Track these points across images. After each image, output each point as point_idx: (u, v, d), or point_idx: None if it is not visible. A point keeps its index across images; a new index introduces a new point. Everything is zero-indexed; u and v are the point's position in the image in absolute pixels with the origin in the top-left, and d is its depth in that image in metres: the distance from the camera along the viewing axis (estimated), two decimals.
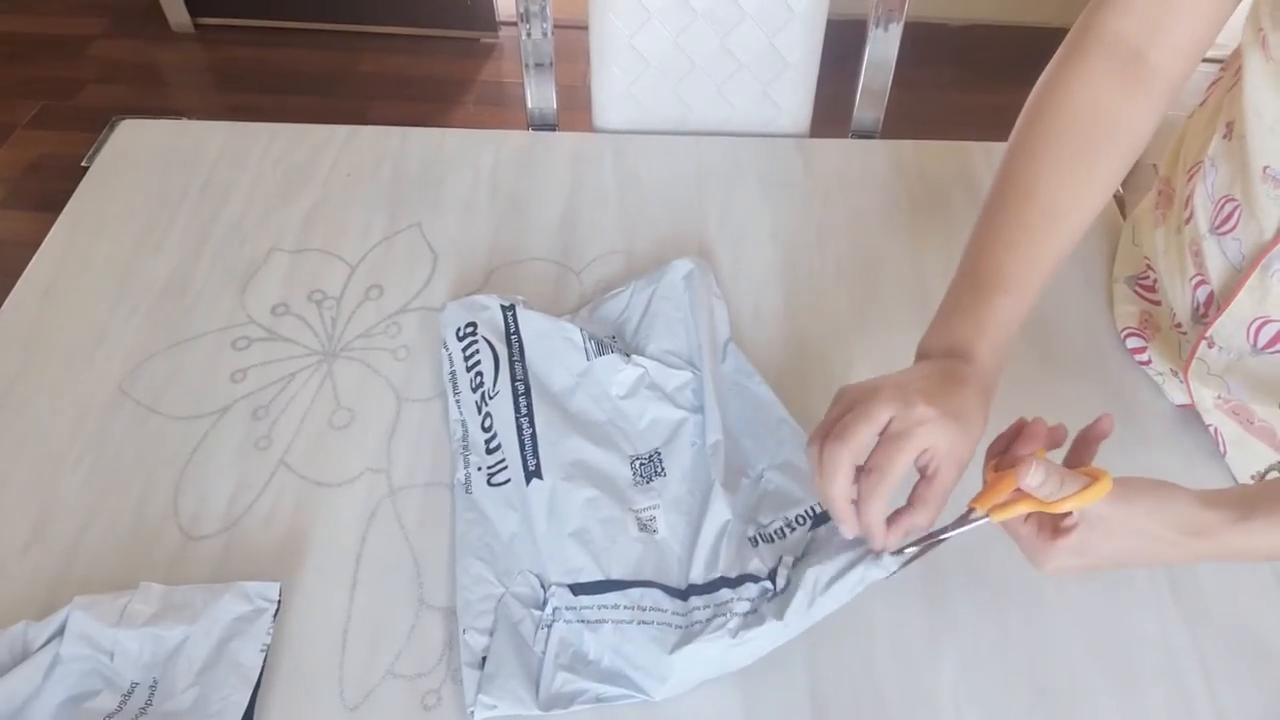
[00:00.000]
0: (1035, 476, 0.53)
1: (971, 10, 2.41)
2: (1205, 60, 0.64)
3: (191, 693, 0.59)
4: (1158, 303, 0.78)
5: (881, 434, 0.55)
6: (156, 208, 0.91)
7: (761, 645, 0.60)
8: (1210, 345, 0.68)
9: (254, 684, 0.59)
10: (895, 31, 1.04)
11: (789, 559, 0.64)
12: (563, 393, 0.74)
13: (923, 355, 0.62)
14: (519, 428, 0.71)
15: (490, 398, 0.72)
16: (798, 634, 0.61)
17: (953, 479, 0.57)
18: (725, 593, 0.63)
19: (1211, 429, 0.73)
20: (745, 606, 0.61)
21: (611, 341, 0.77)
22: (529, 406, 0.72)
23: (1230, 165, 0.66)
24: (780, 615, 0.60)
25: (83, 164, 0.96)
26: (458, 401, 0.74)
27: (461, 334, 0.76)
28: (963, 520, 0.58)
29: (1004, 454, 0.58)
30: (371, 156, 0.97)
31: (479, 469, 0.70)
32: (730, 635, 0.60)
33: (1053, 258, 0.62)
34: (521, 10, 1.03)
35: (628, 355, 0.75)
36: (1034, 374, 0.79)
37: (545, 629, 0.63)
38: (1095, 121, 0.63)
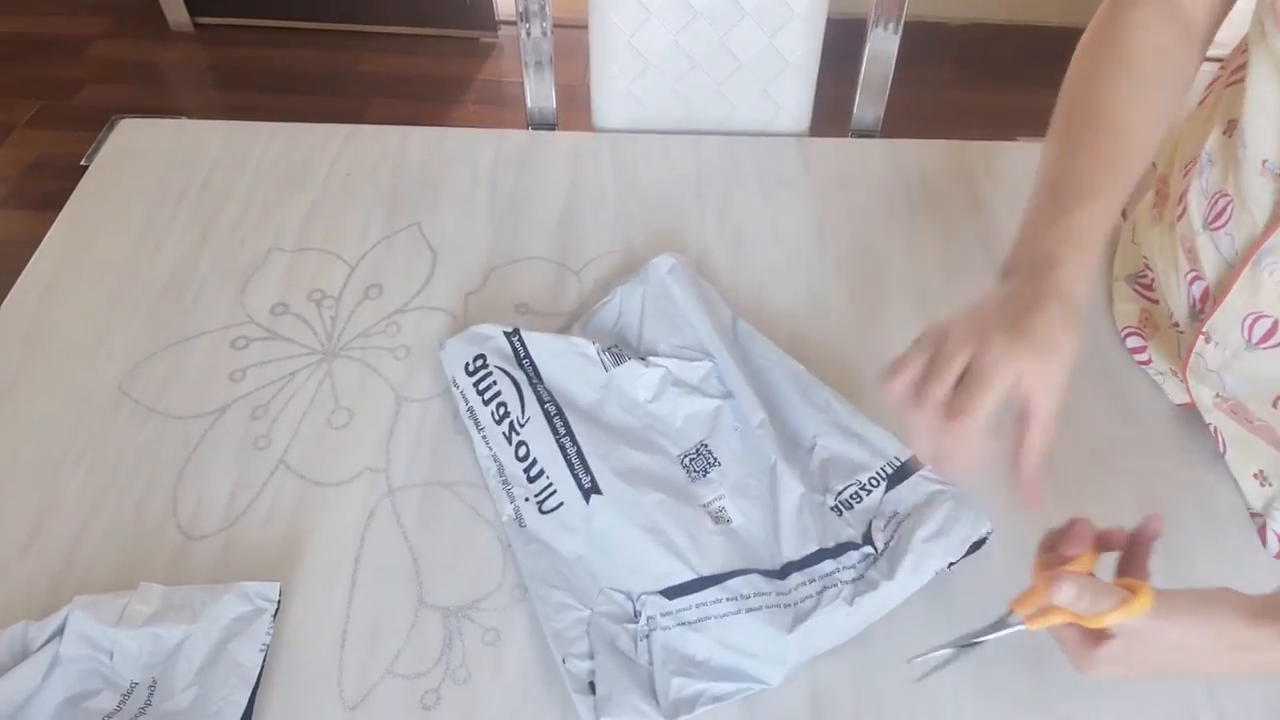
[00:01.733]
0: (1066, 594, 0.52)
1: (971, 9, 2.41)
2: (1206, 59, 0.65)
3: (191, 692, 0.59)
4: (1156, 301, 0.78)
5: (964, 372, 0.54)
6: (156, 207, 0.91)
7: (876, 609, 0.62)
8: (1207, 340, 0.68)
9: (253, 684, 0.59)
10: (895, 31, 1.04)
11: (879, 522, 0.65)
12: (591, 407, 0.73)
13: (1008, 272, 0.60)
14: (562, 449, 0.69)
15: (520, 425, 0.71)
16: (910, 595, 0.62)
17: (1049, 407, 0.54)
18: (828, 564, 0.64)
19: (1211, 428, 0.73)
20: (852, 574, 0.63)
21: (622, 349, 0.76)
22: (566, 425, 0.70)
23: (1225, 161, 0.67)
24: (891, 575, 0.61)
25: (82, 163, 0.96)
26: (484, 438, 0.72)
27: (472, 368, 0.74)
28: (1000, 624, 0.57)
29: (1053, 549, 0.57)
30: (371, 156, 0.97)
31: (526, 500, 0.69)
32: (846, 603, 0.61)
33: (1130, 170, 0.62)
34: (521, 10, 1.03)
35: (644, 358, 0.74)
36: None
37: (644, 640, 0.62)
38: (1151, 55, 0.65)
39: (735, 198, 0.94)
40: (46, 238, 0.88)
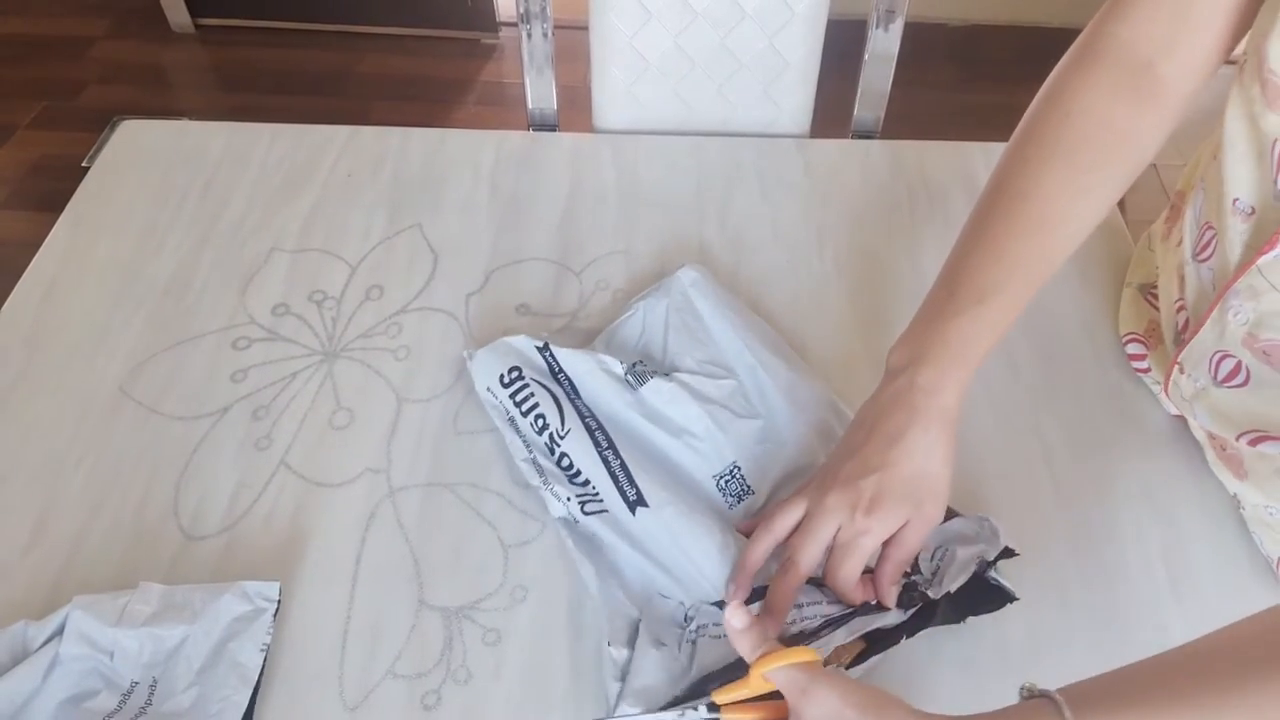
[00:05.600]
0: (738, 621, 0.53)
1: (971, 10, 2.41)
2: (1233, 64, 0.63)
3: (191, 692, 0.59)
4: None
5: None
6: (157, 208, 0.91)
7: (925, 620, 0.61)
8: (1181, 371, 0.68)
9: (254, 684, 0.59)
10: (895, 31, 1.04)
11: (924, 553, 0.64)
12: (627, 423, 0.72)
13: (889, 368, 0.62)
14: (605, 461, 0.68)
15: (561, 437, 0.70)
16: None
17: (913, 545, 0.59)
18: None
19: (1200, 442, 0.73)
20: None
21: (645, 368, 0.74)
22: (608, 439, 0.70)
23: (1212, 192, 0.66)
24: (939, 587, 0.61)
25: (84, 164, 0.96)
26: (525, 443, 0.71)
27: (507, 380, 0.73)
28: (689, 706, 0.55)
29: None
30: (372, 157, 0.97)
31: (570, 499, 0.68)
32: (901, 610, 0.61)
33: (1040, 270, 0.61)
34: (522, 10, 1.03)
35: (667, 375, 0.73)
36: (1032, 379, 0.79)
37: (690, 643, 0.61)
38: (1099, 132, 0.61)
39: (736, 198, 0.94)
40: (48, 238, 0.88)
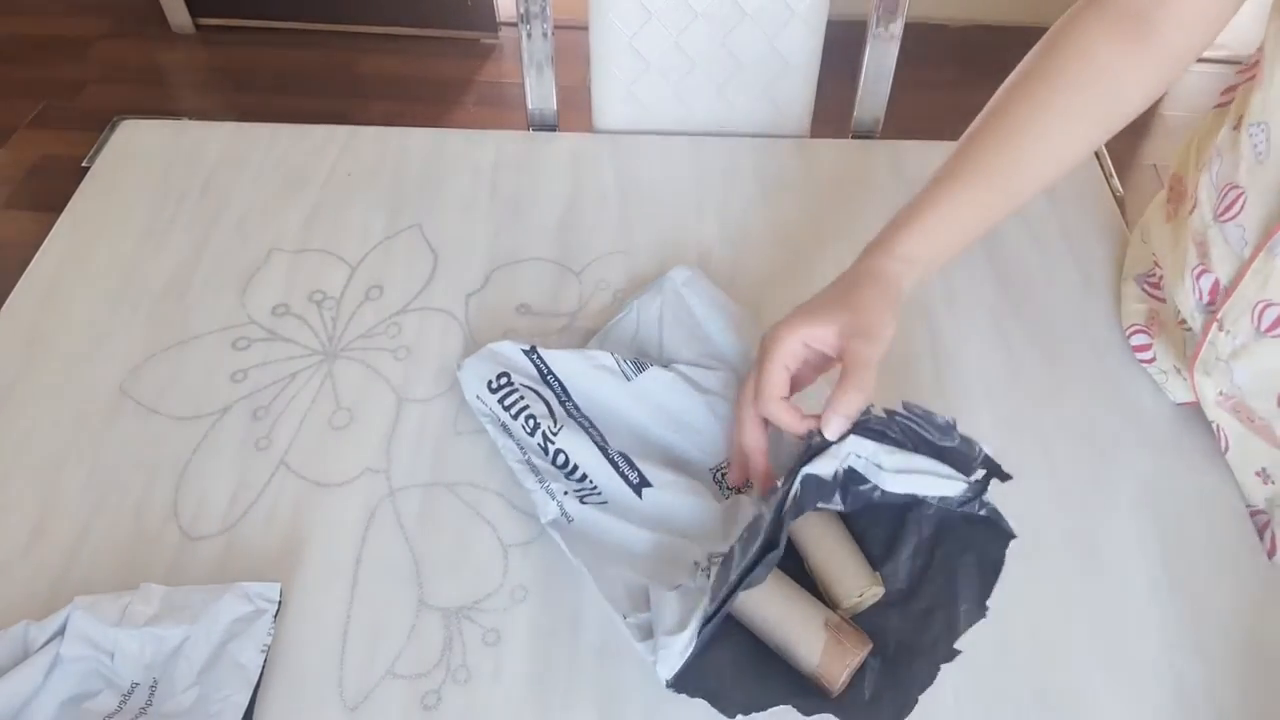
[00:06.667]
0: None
1: (971, 10, 2.41)
2: (1204, 60, 0.64)
3: (192, 693, 0.59)
4: (1164, 300, 0.78)
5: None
6: (157, 208, 0.91)
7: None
8: (1220, 329, 0.68)
9: (254, 684, 0.59)
10: (895, 31, 1.04)
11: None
12: (623, 415, 0.72)
13: (860, 256, 0.66)
14: (603, 450, 0.68)
15: (553, 435, 0.69)
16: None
17: (856, 365, 0.59)
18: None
19: (1214, 425, 0.73)
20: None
21: (643, 359, 0.75)
22: (602, 435, 0.70)
23: (1235, 154, 0.67)
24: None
25: (84, 164, 0.96)
26: (518, 444, 0.71)
27: (495, 386, 0.73)
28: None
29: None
30: (371, 157, 0.97)
31: (566, 494, 0.67)
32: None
33: (1015, 171, 0.65)
34: (521, 11, 1.03)
35: (665, 365, 0.74)
36: (1034, 372, 0.79)
37: (704, 572, 0.61)
38: (1077, 62, 0.64)
39: (735, 199, 0.94)
40: (48, 238, 0.88)
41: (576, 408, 0.72)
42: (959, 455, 0.59)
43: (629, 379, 0.72)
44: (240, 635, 0.61)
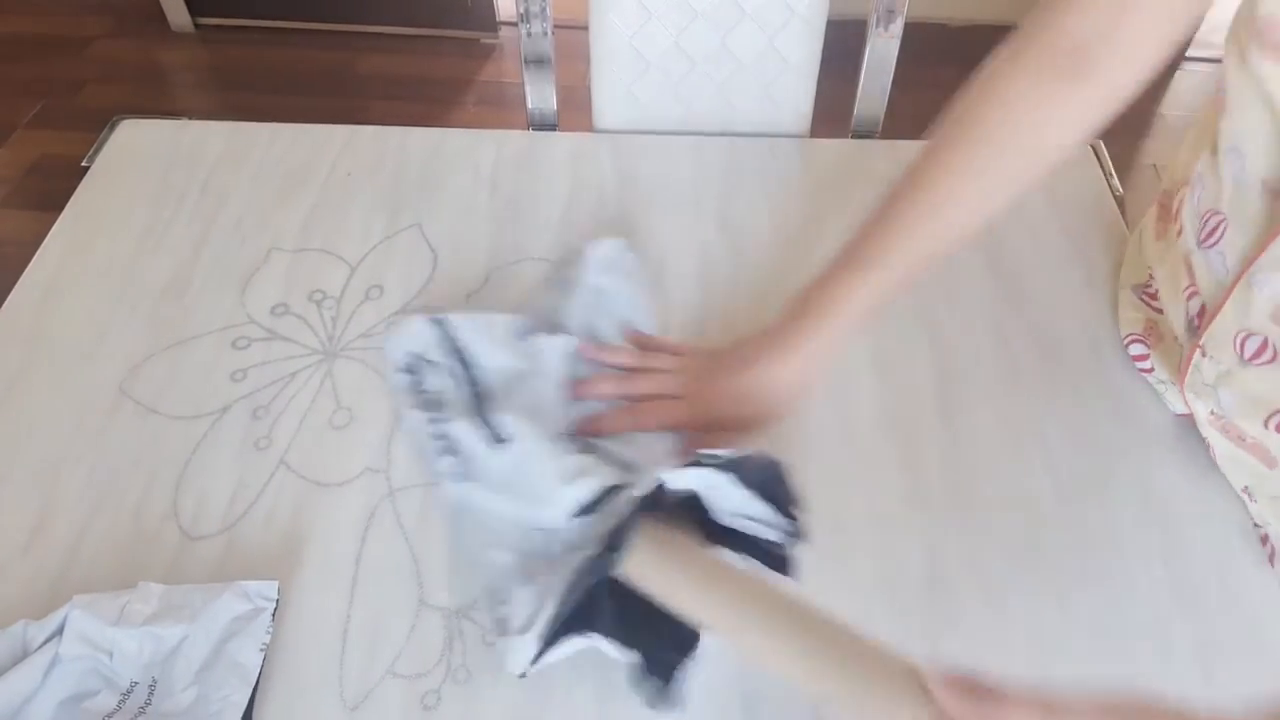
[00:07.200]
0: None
1: (972, 10, 2.41)
2: (1203, 60, 0.64)
3: (191, 692, 0.59)
4: (1161, 311, 0.78)
5: None
6: (157, 207, 0.91)
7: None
8: (1204, 354, 0.68)
9: (253, 684, 0.59)
10: (895, 31, 1.04)
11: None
12: (513, 379, 0.74)
13: (779, 315, 0.71)
14: (481, 416, 0.71)
15: (444, 406, 0.72)
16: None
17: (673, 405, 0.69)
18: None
19: (1206, 441, 0.73)
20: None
21: (550, 328, 0.78)
22: (488, 398, 0.73)
23: (1215, 180, 0.66)
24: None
25: (83, 163, 0.96)
26: (420, 421, 0.73)
27: (406, 361, 0.76)
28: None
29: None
30: (371, 156, 0.97)
31: (444, 471, 0.70)
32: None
33: (931, 238, 0.67)
34: (521, 10, 1.03)
35: (569, 334, 0.76)
36: (1033, 380, 0.79)
37: (555, 562, 0.63)
38: (1004, 128, 0.63)
39: (735, 198, 0.94)
40: (47, 238, 0.88)
41: (475, 375, 0.74)
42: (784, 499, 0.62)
43: (529, 344, 0.75)
44: (239, 634, 0.61)
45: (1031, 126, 0.63)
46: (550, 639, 0.59)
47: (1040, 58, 0.62)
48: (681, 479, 0.61)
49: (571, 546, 0.63)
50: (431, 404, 0.73)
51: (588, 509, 0.64)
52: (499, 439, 0.69)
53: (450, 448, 0.71)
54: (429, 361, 0.75)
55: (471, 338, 0.76)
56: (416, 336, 0.76)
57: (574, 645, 0.60)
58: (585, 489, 0.65)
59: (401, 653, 0.63)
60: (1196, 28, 0.60)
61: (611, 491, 0.64)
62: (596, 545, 0.59)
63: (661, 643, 0.60)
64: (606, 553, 0.58)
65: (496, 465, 0.68)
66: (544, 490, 0.65)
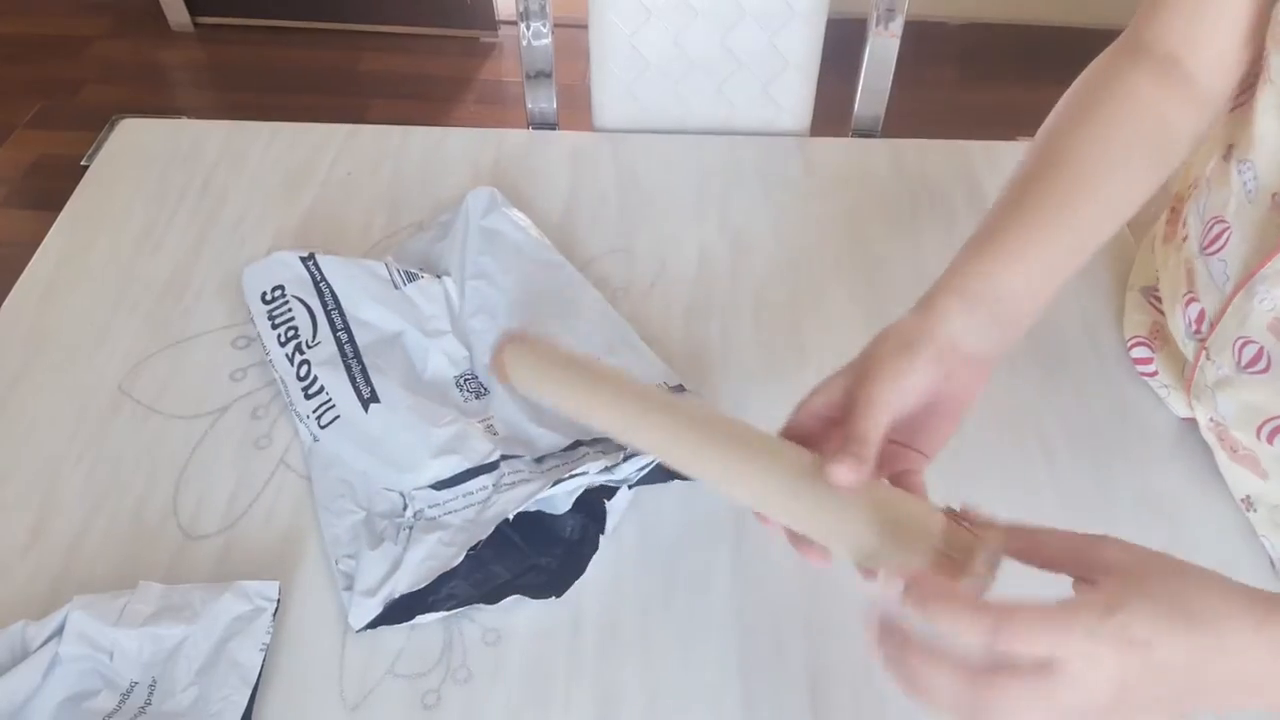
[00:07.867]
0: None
1: (972, 10, 2.41)
2: None
3: (191, 692, 0.59)
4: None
5: None
6: (156, 207, 0.91)
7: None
8: (1208, 358, 0.68)
9: (253, 684, 0.59)
10: (895, 31, 1.04)
11: None
12: (379, 323, 0.75)
13: (917, 305, 0.64)
14: (347, 367, 0.72)
15: (309, 347, 0.73)
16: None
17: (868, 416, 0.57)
18: (583, 449, 0.68)
19: (1208, 447, 0.73)
20: (601, 463, 0.65)
21: (419, 271, 0.79)
22: (354, 347, 0.73)
23: (1223, 186, 0.66)
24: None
25: (82, 163, 0.96)
26: (270, 363, 0.75)
27: (269, 297, 0.76)
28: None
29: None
30: (371, 156, 0.97)
31: (306, 416, 0.71)
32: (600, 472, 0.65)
33: (1077, 218, 0.59)
34: (521, 9, 1.03)
35: (439, 276, 0.78)
36: (1034, 381, 0.79)
37: (406, 531, 0.65)
38: (1134, 111, 0.62)
39: (736, 198, 0.94)
40: (47, 237, 0.88)
41: (341, 317, 0.75)
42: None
43: (398, 287, 0.76)
44: (239, 634, 0.61)
45: (1159, 115, 0.62)
46: (395, 616, 0.62)
47: (1143, 62, 0.63)
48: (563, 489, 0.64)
49: (422, 518, 0.66)
50: (290, 336, 0.74)
51: (447, 484, 0.67)
52: (371, 399, 0.70)
53: (315, 389, 0.71)
54: (295, 297, 0.76)
55: (341, 284, 0.76)
56: (281, 269, 0.77)
57: (426, 619, 0.63)
58: (448, 466, 0.67)
59: (401, 652, 0.63)
60: (1260, 31, 0.61)
61: (475, 471, 0.67)
62: (458, 541, 0.63)
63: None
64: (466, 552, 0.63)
65: (363, 423, 0.69)
66: (409, 459, 0.67)
